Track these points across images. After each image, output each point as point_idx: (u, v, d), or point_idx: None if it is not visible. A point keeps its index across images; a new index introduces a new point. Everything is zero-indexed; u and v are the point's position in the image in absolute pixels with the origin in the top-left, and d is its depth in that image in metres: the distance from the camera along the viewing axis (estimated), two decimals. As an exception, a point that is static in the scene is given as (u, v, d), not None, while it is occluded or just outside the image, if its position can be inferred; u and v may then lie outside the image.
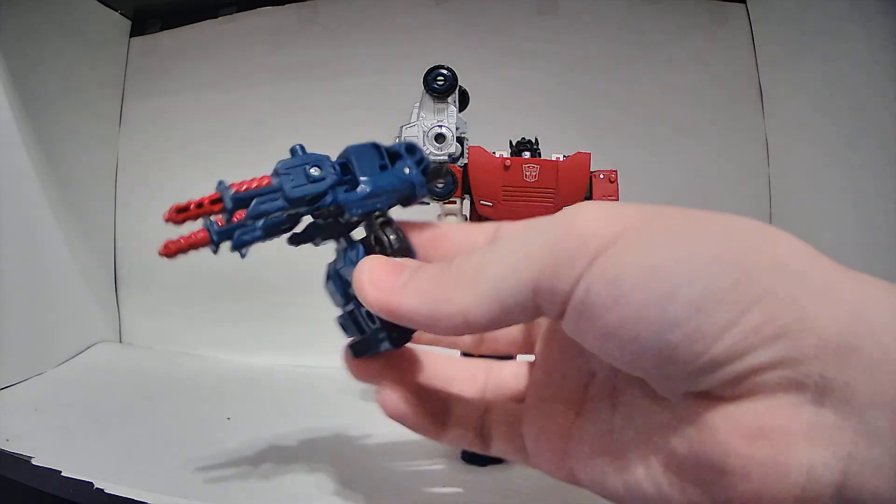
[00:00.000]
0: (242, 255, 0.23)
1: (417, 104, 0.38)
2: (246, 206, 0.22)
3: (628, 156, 0.49)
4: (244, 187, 0.22)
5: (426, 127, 0.37)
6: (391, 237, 0.23)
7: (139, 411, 0.44)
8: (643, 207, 0.18)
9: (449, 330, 0.19)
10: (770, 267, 0.16)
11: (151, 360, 0.58)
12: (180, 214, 0.22)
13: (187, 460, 0.34)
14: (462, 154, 0.38)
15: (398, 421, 0.25)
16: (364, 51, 0.62)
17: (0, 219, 0.47)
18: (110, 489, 0.30)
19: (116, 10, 0.63)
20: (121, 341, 0.63)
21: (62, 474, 0.31)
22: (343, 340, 0.26)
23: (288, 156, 0.24)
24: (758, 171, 0.60)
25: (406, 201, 0.25)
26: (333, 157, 0.24)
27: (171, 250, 0.23)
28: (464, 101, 0.40)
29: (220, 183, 0.23)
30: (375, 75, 0.61)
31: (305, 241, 0.25)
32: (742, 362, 0.16)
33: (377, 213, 0.24)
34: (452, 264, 0.20)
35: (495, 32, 0.61)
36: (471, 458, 0.34)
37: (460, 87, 0.38)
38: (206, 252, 0.24)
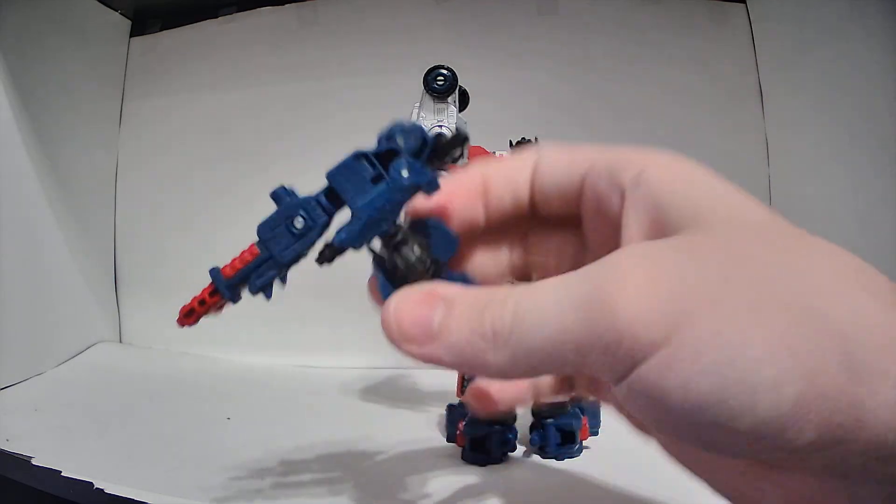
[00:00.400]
0: (268, 297, 0.22)
1: (417, 104, 0.38)
2: (245, 282, 0.22)
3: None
4: (235, 266, 0.21)
5: (426, 127, 0.37)
6: (411, 259, 0.20)
7: (139, 411, 0.44)
8: (695, 276, 0.16)
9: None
10: (833, 368, 0.15)
11: (151, 360, 0.58)
12: (189, 318, 0.22)
13: (187, 460, 0.34)
14: (462, 154, 0.38)
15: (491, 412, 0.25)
16: (364, 51, 0.62)
17: (0, 219, 0.47)
18: (110, 489, 0.30)
19: (116, 10, 0.63)
20: (121, 341, 0.63)
21: (62, 474, 0.31)
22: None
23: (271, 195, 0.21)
24: (758, 171, 0.60)
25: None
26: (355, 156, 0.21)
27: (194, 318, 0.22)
28: (464, 101, 0.40)
29: (212, 271, 0.21)
30: (375, 75, 0.61)
31: (337, 256, 0.21)
32: (792, 463, 0.16)
33: (389, 235, 0.20)
34: (485, 315, 0.18)
35: (495, 32, 0.61)
36: (472, 459, 0.34)
37: (460, 87, 0.38)
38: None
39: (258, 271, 0.21)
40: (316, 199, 0.21)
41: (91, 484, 0.30)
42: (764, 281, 0.15)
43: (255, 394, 0.50)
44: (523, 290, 0.18)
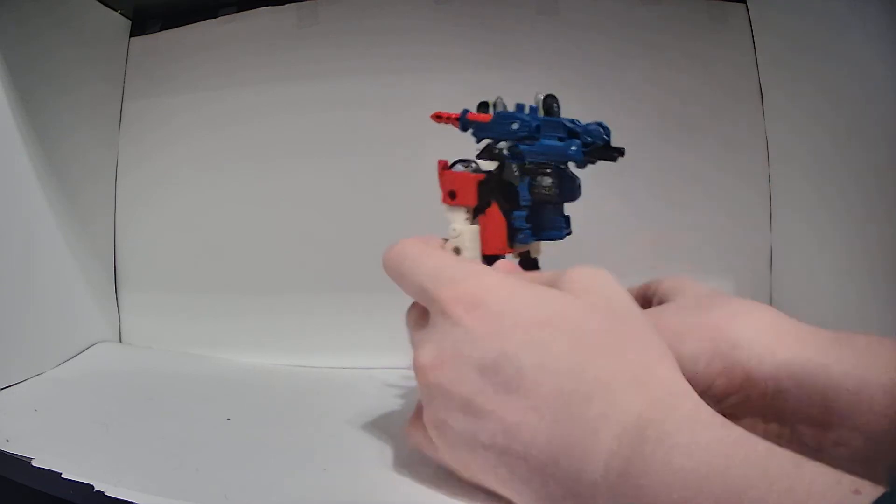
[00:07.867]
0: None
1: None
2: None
3: (628, 156, 0.49)
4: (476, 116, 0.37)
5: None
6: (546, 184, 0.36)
7: (139, 411, 0.44)
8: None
9: None
10: None
11: (151, 360, 0.58)
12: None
13: (187, 461, 0.34)
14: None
15: None
16: (364, 51, 0.62)
17: None
18: (111, 491, 0.30)
19: (116, 10, 0.63)
20: (121, 341, 0.63)
21: (62, 476, 0.31)
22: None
23: None
24: (758, 172, 0.60)
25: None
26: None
27: None
28: (551, 112, 0.39)
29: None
30: (375, 75, 0.61)
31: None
32: None
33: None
34: None
35: (495, 32, 0.61)
36: None
37: (549, 96, 0.39)
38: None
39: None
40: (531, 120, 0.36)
41: (91, 486, 0.30)
42: None
43: (255, 394, 0.50)
44: None
